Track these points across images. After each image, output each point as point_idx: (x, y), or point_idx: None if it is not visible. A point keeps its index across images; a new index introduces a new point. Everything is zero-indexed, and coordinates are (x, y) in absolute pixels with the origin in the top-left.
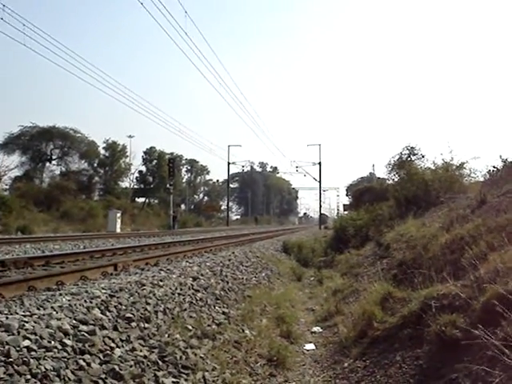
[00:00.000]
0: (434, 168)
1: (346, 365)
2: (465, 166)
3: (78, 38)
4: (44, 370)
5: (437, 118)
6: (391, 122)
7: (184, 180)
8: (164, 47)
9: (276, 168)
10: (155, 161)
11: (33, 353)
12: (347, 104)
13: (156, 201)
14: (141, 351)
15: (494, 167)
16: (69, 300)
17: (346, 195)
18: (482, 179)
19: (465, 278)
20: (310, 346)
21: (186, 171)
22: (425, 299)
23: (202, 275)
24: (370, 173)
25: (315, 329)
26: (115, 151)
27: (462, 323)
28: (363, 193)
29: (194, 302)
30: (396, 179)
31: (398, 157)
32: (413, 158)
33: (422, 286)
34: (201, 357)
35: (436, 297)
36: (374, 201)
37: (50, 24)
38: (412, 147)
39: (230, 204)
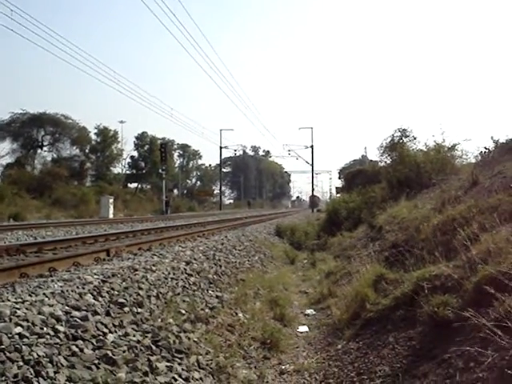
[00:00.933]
0: (425, 150)
1: (339, 346)
2: (456, 147)
3: (67, 23)
4: (36, 356)
5: (428, 99)
6: (383, 105)
7: (176, 165)
8: (154, 31)
9: (268, 152)
10: (147, 146)
11: (25, 339)
12: (339, 86)
13: (148, 186)
14: (134, 336)
15: (485, 148)
16: (61, 286)
17: (339, 178)
18: (473, 161)
19: (457, 258)
20: (303, 329)
21: (179, 156)
22: (417, 280)
23: (194, 259)
24: (363, 155)
25: (308, 311)
26: (107, 137)
27: (454, 304)
28: (355, 175)
29: (187, 286)
30: (388, 161)
31: (390, 139)
32: (405, 140)
33: (415, 268)
34: (194, 341)
35: (428, 278)
36: (367, 183)
37: (37, 6)
38: (404, 129)
39: (223, 188)
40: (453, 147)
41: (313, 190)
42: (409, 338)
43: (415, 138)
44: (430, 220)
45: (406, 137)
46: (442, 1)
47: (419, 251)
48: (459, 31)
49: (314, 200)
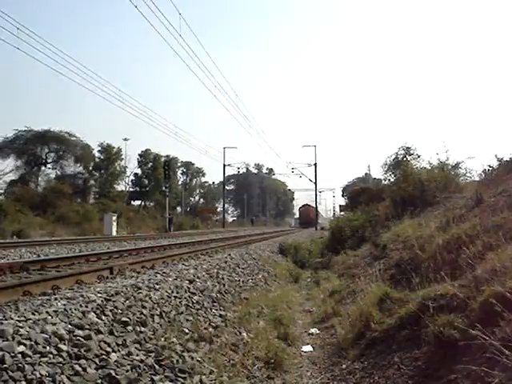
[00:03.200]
0: (429, 168)
1: (343, 366)
2: (460, 165)
3: (71, 41)
4: (39, 375)
5: (432, 118)
6: (386, 123)
7: (179, 182)
8: (158, 49)
9: (272, 169)
10: (150, 163)
11: (28, 358)
12: (342, 105)
13: (152, 203)
14: (137, 355)
15: (489, 166)
16: (64, 304)
17: (342, 196)
18: (477, 179)
19: (462, 277)
20: (307, 348)
21: (182, 173)
22: (422, 300)
23: (198, 278)
24: (366, 173)
25: (312, 330)
26: (110, 154)
27: (460, 323)
28: (359, 193)
29: (191, 304)
30: (392, 179)
31: (393, 157)
32: (408, 157)
33: (420, 287)
34: (198, 360)
35: (433, 297)
36: (370, 201)
37: (45, 27)
38: (408, 147)
39: (226, 206)
40: (457, 165)
41: (316, 208)
42: (414, 358)
43: (419, 156)
44: (434, 238)
45: (410, 155)
46: (449, 20)
47: (424, 270)
48: (463, 49)
49: (306, 213)
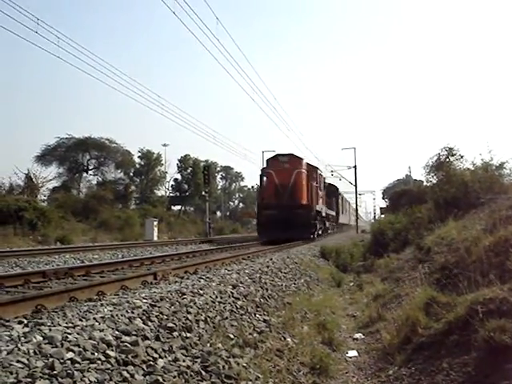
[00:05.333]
0: (473, 168)
1: (390, 372)
2: (505, 165)
3: (108, 50)
4: (88, 382)
5: (475, 117)
6: (427, 123)
7: (219, 187)
8: (196, 55)
9: None
10: (190, 168)
11: (77, 365)
12: (382, 106)
13: (192, 208)
14: (184, 361)
15: None
16: (110, 310)
17: (383, 198)
18: None
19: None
20: (352, 353)
21: (221, 178)
22: (471, 304)
23: (241, 283)
24: (407, 175)
25: (357, 335)
26: (150, 160)
27: (511, 328)
28: (400, 195)
29: (235, 310)
30: (434, 181)
31: (436, 158)
32: (451, 158)
33: (467, 291)
34: (243, 366)
35: (482, 301)
36: (412, 203)
37: (82, 35)
38: (450, 148)
39: None
40: (501, 165)
41: (356, 210)
42: (464, 363)
43: (462, 157)
44: (480, 241)
45: (453, 155)
46: (495, 24)
47: (471, 273)
48: (508, 46)
49: (283, 185)
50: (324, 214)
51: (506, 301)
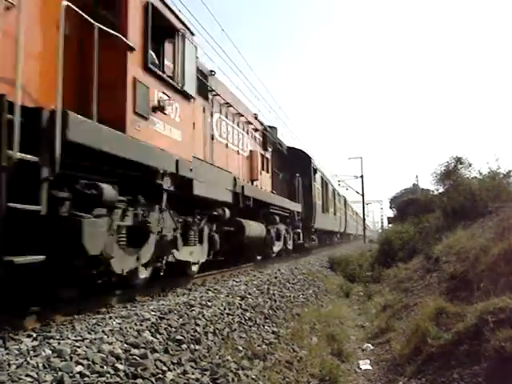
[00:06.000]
0: (480, 177)
1: (400, 383)
2: None
3: None
4: None
5: (482, 126)
6: (434, 132)
7: None
8: None
9: None
10: None
11: (86, 378)
12: (389, 115)
13: None
14: (193, 374)
15: None
16: (119, 323)
17: (390, 208)
18: None
19: None
20: (365, 366)
21: None
22: (481, 314)
23: (249, 294)
24: (414, 184)
25: (366, 346)
26: None
27: None
28: (408, 205)
29: (243, 321)
30: (442, 190)
31: (444, 167)
32: (459, 167)
33: (477, 300)
34: (253, 378)
35: (492, 311)
36: (419, 213)
37: None
38: (459, 157)
39: None
40: (508, 173)
41: (364, 220)
42: (474, 374)
43: (470, 165)
44: (489, 250)
45: (462, 163)
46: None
47: (480, 283)
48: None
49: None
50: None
51: None
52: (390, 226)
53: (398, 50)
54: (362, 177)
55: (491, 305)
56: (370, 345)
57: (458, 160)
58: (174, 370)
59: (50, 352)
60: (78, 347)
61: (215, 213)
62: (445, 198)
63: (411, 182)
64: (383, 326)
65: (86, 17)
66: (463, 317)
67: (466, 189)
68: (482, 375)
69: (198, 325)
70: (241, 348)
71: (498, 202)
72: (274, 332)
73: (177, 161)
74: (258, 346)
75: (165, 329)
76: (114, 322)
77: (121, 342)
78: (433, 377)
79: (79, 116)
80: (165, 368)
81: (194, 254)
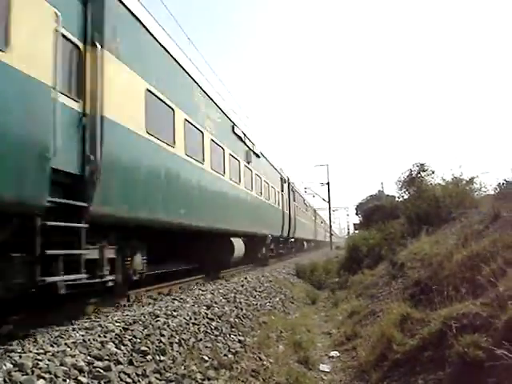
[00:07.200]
0: (443, 184)
1: None
2: (475, 180)
3: None
4: None
5: (445, 133)
6: (399, 139)
7: None
8: None
9: None
10: None
11: None
12: (354, 123)
13: None
14: None
15: (505, 180)
16: (82, 335)
17: (356, 214)
18: (492, 193)
19: (484, 295)
20: (324, 367)
21: None
22: (444, 319)
23: (215, 303)
24: (379, 190)
25: (333, 353)
26: None
27: (484, 343)
28: (373, 211)
29: (209, 331)
30: (406, 196)
31: (407, 174)
32: (423, 174)
33: (441, 306)
34: None
35: (456, 317)
36: (385, 219)
37: None
38: (422, 164)
39: None
40: (471, 180)
41: (330, 227)
42: (439, 379)
43: (433, 172)
44: (453, 256)
45: (424, 171)
46: (463, 33)
47: (444, 288)
48: (477, 60)
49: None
50: None
51: (478, 316)
52: (356, 232)
53: (367, 55)
54: (328, 184)
55: (454, 310)
56: (336, 352)
57: (421, 167)
58: (139, 381)
59: (11, 366)
60: (40, 360)
61: None
62: (409, 204)
63: (377, 188)
64: (349, 333)
65: None
66: (427, 323)
67: (430, 195)
68: (446, 381)
69: (163, 335)
70: (206, 358)
71: (462, 208)
72: (240, 341)
73: None
74: (224, 355)
75: (129, 340)
76: (78, 334)
77: (84, 354)
78: (398, 383)
79: None
80: (129, 380)
81: None
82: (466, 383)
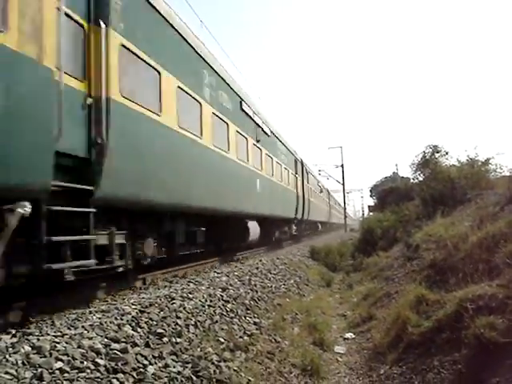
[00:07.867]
0: (459, 165)
1: (381, 371)
2: (490, 161)
3: None
4: None
5: (460, 114)
6: (414, 121)
7: None
8: None
9: None
10: None
11: (66, 374)
12: (368, 105)
13: None
14: (174, 367)
15: None
16: (99, 318)
17: (370, 196)
18: (508, 174)
19: (500, 277)
20: (339, 349)
21: None
22: (460, 301)
23: (231, 285)
24: (394, 172)
25: (348, 335)
26: None
27: (500, 325)
28: (388, 193)
29: (225, 313)
30: (421, 178)
31: (421, 155)
32: (436, 155)
33: (456, 288)
34: (234, 370)
35: (471, 298)
36: (400, 201)
37: None
38: (435, 145)
39: None
40: (486, 161)
41: (345, 209)
42: (454, 361)
43: (447, 153)
44: (468, 237)
45: (438, 152)
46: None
47: (459, 270)
48: (492, 44)
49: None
50: None
51: (494, 297)
52: (371, 214)
53: (382, 40)
54: (342, 166)
55: (470, 292)
56: (351, 334)
57: (435, 148)
58: (155, 363)
59: (30, 348)
60: (58, 343)
61: None
62: (424, 186)
63: (391, 170)
64: (364, 315)
65: None
66: (443, 304)
67: (445, 177)
68: (462, 362)
69: (179, 317)
70: (222, 340)
71: (477, 189)
72: (255, 323)
73: None
74: (240, 337)
75: (145, 322)
76: (94, 317)
77: (101, 336)
78: (413, 364)
79: None
80: (146, 362)
81: None
82: (482, 364)
